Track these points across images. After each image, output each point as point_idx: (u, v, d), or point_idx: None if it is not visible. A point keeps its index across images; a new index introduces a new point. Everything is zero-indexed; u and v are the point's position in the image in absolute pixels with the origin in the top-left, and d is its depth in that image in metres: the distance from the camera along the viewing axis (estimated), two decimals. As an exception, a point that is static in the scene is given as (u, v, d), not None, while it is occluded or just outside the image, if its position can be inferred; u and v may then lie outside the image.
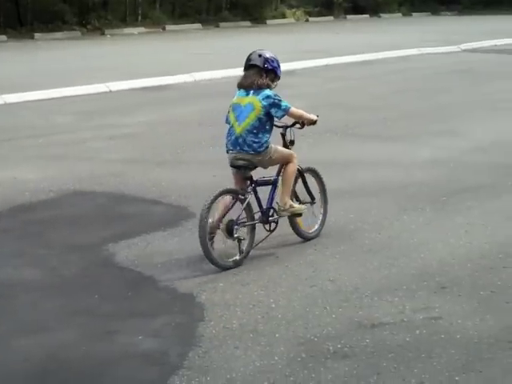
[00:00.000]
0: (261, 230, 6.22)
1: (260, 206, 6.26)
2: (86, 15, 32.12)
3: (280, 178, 6.35)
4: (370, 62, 20.93)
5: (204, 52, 22.62)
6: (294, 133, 6.54)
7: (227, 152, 6.25)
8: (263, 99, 6.14)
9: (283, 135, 6.50)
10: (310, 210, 6.60)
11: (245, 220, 6.09)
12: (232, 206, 6.06)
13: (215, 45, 26.13)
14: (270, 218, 6.28)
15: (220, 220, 5.94)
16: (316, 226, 6.64)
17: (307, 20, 41.79)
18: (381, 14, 46.83)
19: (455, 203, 7.50)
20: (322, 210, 6.75)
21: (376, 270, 5.77)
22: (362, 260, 6.00)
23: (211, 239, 5.88)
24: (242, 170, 6.17)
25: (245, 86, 6.22)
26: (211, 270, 5.79)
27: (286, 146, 6.46)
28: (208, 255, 5.80)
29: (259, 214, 6.23)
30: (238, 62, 19.34)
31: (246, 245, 6.04)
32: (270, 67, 6.24)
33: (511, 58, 21.75)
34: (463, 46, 24.84)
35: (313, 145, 10.27)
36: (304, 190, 6.60)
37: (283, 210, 6.24)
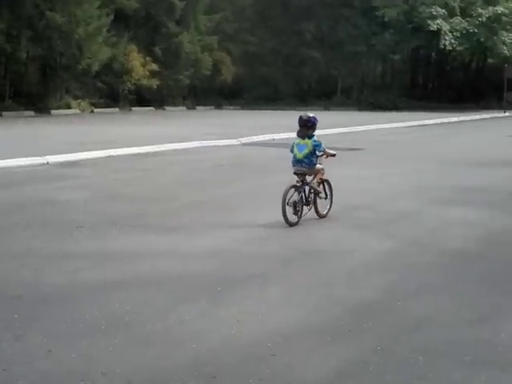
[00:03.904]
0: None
1: (305, 194, 11.59)
2: None
3: (313, 182, 11.88)
4: (153, 154, 21.29)
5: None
6: (321, 159, 11.83)
7: (293, 166, 11.70)
8: (312, 142, 11.55)
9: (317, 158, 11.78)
10: (323, 201, 11.98)
11: (301, 201, 11.42)
12: (293, 193, 11.28)
13: (-4, 134, 25.64)
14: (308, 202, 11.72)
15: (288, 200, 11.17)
16: (325, 211, 12.00)
17: (92, 111, 41.99)
18: (166, 107, 47.81)
19: (229, 293, 7.70)
20: (329, 202, 12.15)
21: (149, 362, 5.81)
22: (135, 352, 6.01)
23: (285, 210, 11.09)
24: (301, 176, 11.55)
25: (302, 136, 11.63)
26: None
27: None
28: (285, 218, 11.04)
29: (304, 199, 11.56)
30: (18, 152, 19.18)
31: (300, 215, 11.37)
32: (310, 124, 11.64)
33: (287, 152, 22.70)
34: (243, 140, 25.78)
35: (92, 236, 10.26)
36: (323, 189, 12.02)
37: (313, 186, 11.77)
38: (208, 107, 51.42)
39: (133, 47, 45.71)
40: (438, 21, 56.68)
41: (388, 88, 64.28)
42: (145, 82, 45.70)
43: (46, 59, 40.54)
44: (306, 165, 11.58)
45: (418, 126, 37.97)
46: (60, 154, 19.49)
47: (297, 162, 11.65)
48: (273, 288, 7.97)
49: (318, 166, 11.78)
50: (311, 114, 11.79)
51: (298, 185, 11.47)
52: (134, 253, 9.37)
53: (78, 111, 40.88)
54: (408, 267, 9.00)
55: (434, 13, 56.78)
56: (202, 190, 14.83)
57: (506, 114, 53.65)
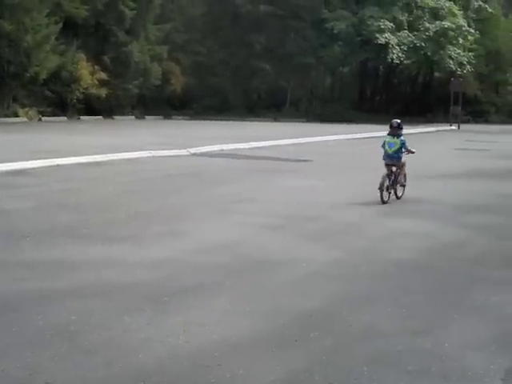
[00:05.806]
0: None
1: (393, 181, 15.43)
2: None
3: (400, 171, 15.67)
4: (101, 164, 21.14)
5: None
6: (405, 154, 15.69)
7: (384, 160, 15.45)
8: (400, 140, 15.35)
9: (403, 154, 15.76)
10: (399, 188, 15.73)
11: (391, 186, 15.31)
12: (386, 180, 14.99)
13: None
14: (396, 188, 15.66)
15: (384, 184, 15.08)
16: (401, 194, 15.76)
17: (40, 120, 41.55)
18: (114, 116, 47.52)
19: (176, 303, 7.69)
20: (402, 188, 15.89)
21: (94, 371, 5.77)
22: (81, 361, 5.97)
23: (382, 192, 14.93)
24: (391, 167, 15.22)
25: (393, 134, 15.40)
26: None
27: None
28: (382, 198, 14.77)
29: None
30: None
31: (390, 196, 15.27)
32: (401, 126, 15.54)
33: (236, 163, 22.82)
34: (193, 150, 25.76)
35: (38, 245, 10.16)
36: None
37: (399, 182, 15.64)
38: (157, 117, 51.26)
39: (81, 56, 45.38)
40: (386, 34, 57.40)
41: (336, 100, 64.82)
42: (93, 90, 45.39)
43: (-7, 67, 40.06)
44: (395, 159, 15.39)
45: (366, 138, 38.25)
46: (6, 162, 19.27)
47: (387, 156, 15.46)
48: (220, 298, 7.97)
49: (403, 162, 15.59)
50: (399, 121, 15.76)
51: (389, 174, 15.23)
52: (79, 262, 9.29)
53: (25, 120, 40.43)
54: (354, 277, 9.08)
55: (382, 26, 57.50)
56: (150, 199, 14.79)
57: (452, 127, 54.39)
